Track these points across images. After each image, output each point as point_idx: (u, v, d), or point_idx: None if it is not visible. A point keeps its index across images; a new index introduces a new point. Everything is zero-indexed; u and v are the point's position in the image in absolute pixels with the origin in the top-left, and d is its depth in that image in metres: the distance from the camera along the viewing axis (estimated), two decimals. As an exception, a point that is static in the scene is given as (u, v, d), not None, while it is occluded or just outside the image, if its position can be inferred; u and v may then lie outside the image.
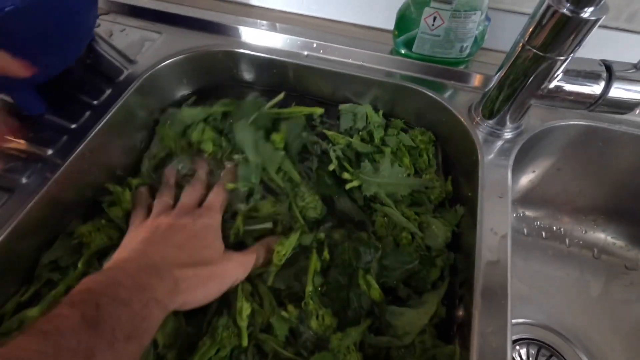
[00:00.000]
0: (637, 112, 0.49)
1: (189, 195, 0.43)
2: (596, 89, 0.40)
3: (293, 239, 0.40)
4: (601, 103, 0.41)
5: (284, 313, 0.37)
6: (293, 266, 0.40)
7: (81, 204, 0.46)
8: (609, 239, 0.63)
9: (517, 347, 0.57)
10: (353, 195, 0.47)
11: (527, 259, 0.63)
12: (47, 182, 0.41)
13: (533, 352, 0.56)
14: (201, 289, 0.34)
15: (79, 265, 0.39)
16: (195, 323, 0.38)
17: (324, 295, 0.39)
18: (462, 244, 0.44)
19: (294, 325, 0.37)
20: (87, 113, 0.47)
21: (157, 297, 0.29)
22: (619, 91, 0.40)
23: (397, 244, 0.43)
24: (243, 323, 0.36)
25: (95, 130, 0.45)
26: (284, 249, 0.39)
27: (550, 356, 0.56)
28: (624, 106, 0.41)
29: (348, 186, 0.46)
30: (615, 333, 0.57)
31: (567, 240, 0.64)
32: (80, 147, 0.44)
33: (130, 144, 0.51)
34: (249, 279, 0.40)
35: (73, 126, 0.46)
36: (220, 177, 0.46)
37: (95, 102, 0.49)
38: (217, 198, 0.43)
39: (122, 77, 0.51)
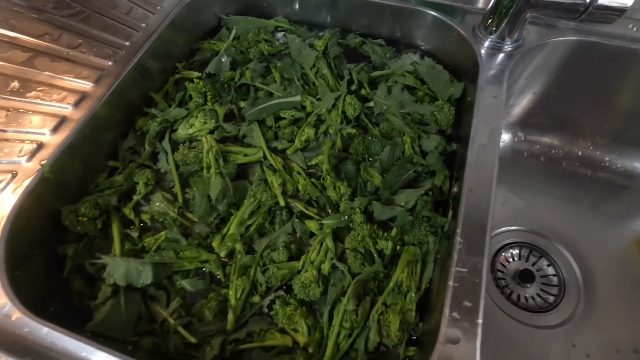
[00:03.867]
0: (630, 26, 0.53)
1: None
2: (586, -4, 0.45)
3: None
4: (590, 10, 0.46)
5: (313, 180, 0.46)
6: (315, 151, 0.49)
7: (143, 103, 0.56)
8: (605, 159, 0.68)
9: (511, 250, 0.64)
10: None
11: (526, 178, 0.69)
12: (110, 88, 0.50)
13: (525, 253, 0.64)
14: None
15: (146, 146, 0.50)
16: (240, 187, 0.47)
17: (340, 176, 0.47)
18: (460, 137, 0.51)
19: (317, 194, 0.46)
20: (139, 33, 0.56)
21: None
22: (607, -2, 0.45)
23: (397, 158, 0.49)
24: (277, 190, 0.45)
25: (146, 46, 0.54)
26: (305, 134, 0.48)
27: (540, 257, 0.63)
28: (613, 11, 0.46)
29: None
30: (599, 242, 0.64)
31: (564, 163, 0.70)
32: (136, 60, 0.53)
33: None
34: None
35: (127, 43, 0.54)
36: None
37: (143, 25, 0.56)
38: None
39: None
